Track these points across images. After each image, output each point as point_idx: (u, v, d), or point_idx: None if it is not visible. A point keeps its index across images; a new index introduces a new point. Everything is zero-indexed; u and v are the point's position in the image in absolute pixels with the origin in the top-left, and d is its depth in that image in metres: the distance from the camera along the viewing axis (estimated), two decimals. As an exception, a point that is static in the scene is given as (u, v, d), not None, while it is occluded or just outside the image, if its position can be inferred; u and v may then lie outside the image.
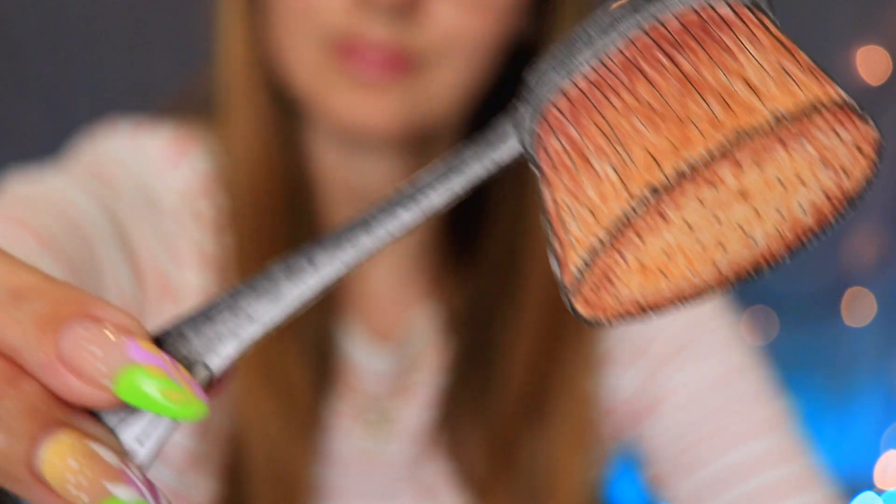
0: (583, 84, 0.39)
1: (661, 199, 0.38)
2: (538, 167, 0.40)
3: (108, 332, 0.35)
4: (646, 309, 0.42)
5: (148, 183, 0.87)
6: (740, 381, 0.89)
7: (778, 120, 0.37)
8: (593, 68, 0.39)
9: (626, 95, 0.38)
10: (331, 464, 0.89)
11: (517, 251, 0.90)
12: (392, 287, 0.92)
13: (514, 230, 0.90)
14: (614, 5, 0.39)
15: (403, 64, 0.82)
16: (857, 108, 0.39)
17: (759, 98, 0.37)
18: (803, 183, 0.41)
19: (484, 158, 0.41)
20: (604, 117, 0.38)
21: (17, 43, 2.03)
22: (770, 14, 0.41)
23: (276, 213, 0.87)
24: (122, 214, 0.83)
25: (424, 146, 0.88)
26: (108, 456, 0.34)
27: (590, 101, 0.39)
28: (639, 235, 0.39)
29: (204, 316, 0.38)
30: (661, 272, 0.41)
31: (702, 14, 0.39)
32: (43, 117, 2.03)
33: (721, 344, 0.90)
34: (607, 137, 0.38)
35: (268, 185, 0.87)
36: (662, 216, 0.39)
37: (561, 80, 0.39)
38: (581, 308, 0.41)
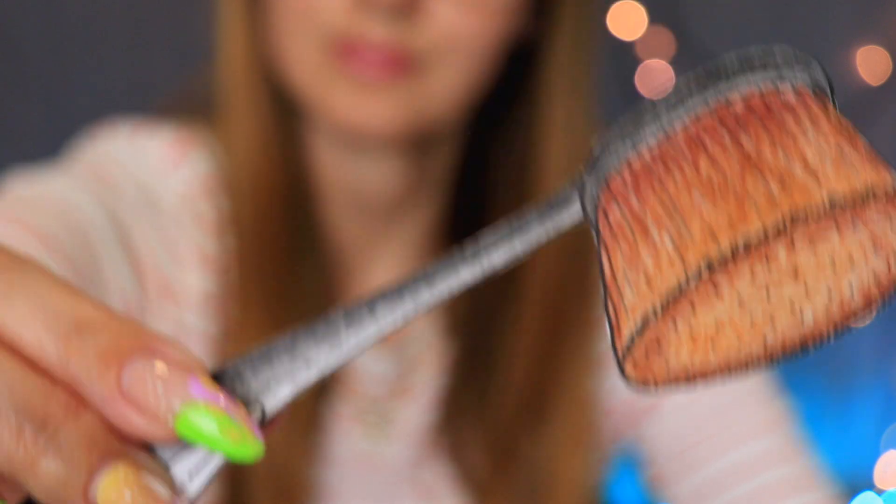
0: (647, 156, 0.40)
1: (715, 273, 0.39)
2: (598, 234, 0.41)
3: (169, 369, 0.35)
4: (692, 377, 0.43)
5: (148, 184, 0.87)
6: (740, 382, 0.89)
7: (833, 203, 0.38)
8: (658, 142, 0.40)
9: (687, 170, 0.39)
10: (331, 465, 0.89)
11: (517, 252, 0.90)
12: (392, 287, 0.92)
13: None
14: (682, 81, 0.40)
15: (403, 64, 0.82)
16: None
17: (817, 181, 0.38)
18: (854, 265, 0.42)
19: (547, 222, 0.42)
20: (665, 189, 0.39)
21: (17, 43, 2.03)
22: (833, 98, 0.42)
23: (277, 215, 0.87)
24: (122, 215, 0.83)
25: (424, 146, 0.88)
26: (161, 490, 0.35)
27: (653, 173, 0.40)
28: (692, 306, 0.40)
29: (263, 356, 0.39)
30: (711, 343, 0.42)
31: (767, 96, 0.40)
32: (43, 117, 2.03)
33: (721, 344, 0.90)
34: (667, 209, 0.39)
35: (268, 186, 0.87)
36: (716, 289, 0.40)
37: (627, 151, 0.40)
38: (631, 372, 0.41)
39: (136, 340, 0.35)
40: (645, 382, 0.42)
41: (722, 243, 0.38)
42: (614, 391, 0.91)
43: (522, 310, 0.89)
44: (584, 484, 0.91)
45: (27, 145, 1.35)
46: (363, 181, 0.88)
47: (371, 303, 0.41)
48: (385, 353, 0.90)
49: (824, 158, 0.39)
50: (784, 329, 0.43)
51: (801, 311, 0.42)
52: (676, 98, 0.40)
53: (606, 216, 0.41)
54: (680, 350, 0.42)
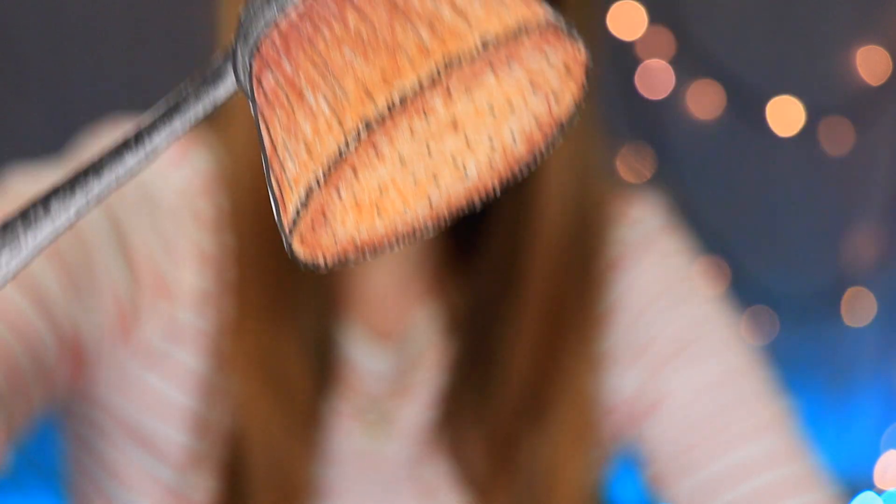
0: (294, 16, 0.39)
1: (374, 133, 0.37)
2: (254, 104, 0.41)
3: None
4: (362, 247, 0.41)
5: (148, 181, 0.87)
6: (740, 382, 0.89)
7: (486, 44, 0.37)
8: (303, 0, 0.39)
9: (336, 26, 0.38)
10: (330, 464, 0.89)
11: (518, 251, 0.90)
12: (392, 287, 0.92)
13: (515, 230, 0.90)
14: None
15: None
16: (564, 28, 0.39)
17: (467, 22, 0.37)
18: (514, 109, 0.41)
19: (203, 98, 0.42)
20: (316, 49, 0.38)
21: (17, 43, 2.03)
22: None
23: (276, 213, 0.87)
24: (120, 212, 0.83)
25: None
26: None
27: (301, 33, 0.38)
28: (354, 171, 0.39)
29: None
30: (376, 208, 0.41)
31: None
32: (43, 117, 2.03)
33: (721, 344, 0.90)
34: (320, 70, 0.38)
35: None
36: (376, 150, 0.39)
37: (273, 12, 0.39)
38: (299, 249, 0.40)
39: None
40: (314, 257, 0.41)
41: (378, 101, 0.36)
42: (615, 391, 0.91)
43: (523, 308, 0.89)
44: (585, 483, 0.91)
45: (27, 145, 1.35)
46: (363, 181, 0.88)
47: (45, 202, 0.41)
48: (385, 352, 0.90)
49: (469, 11, 0.37)
50: (448, 185, 0.41)
51: (465, 165, 0.41)
52: None
53: (261, 84, 0.40)
54: (346, 219, 0.41)
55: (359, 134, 0.37)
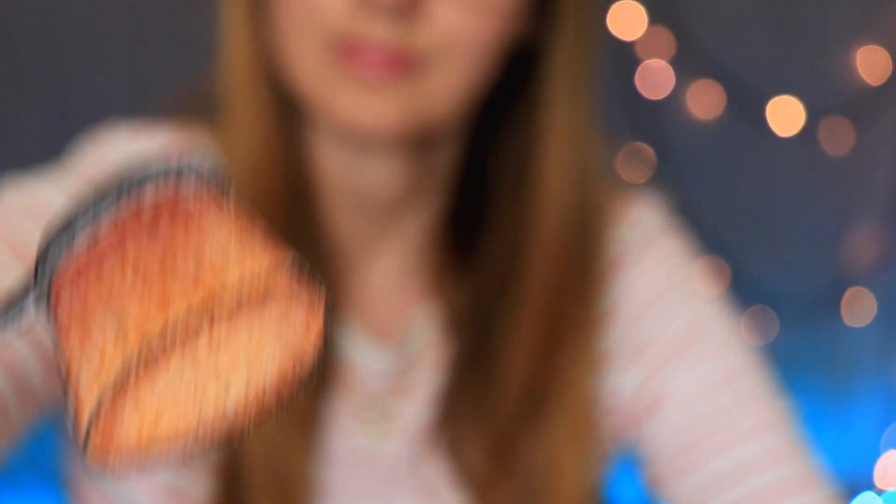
0: (83, 258, 0.45)
1: (147, 363, 0.43)
2: (53, 329, 0.46)
3: None
4: (146, 450, 0.47)
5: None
6: (740, 382, 0.89)
7: (238, 297, 0.43)
8: (89, 244, 0.45)
9: (117, 272, 0.44)
10: (329, 463, 0.89)
11: (518, 250, 0.90)
12: (392, 286, 0.92)
13: (515, 229, 0.90)
14: (101, 187, 0.45)
15: (404, 64, 0.82)
16: (307, 268, 0.46)
17: (221, 276, 0.43)
18: (263, 364, 0.47)
19: (8, 325, 0.46)
20: (100, 289, 0.44)
21: (17, 43, 2.03)
22: (228, 188, 0.47)
23: (278, 215, 0.87)
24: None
25: (425, 146, 0.88)
26: None
27: (88, 273, 0.44)
28: (135, 390, 0.45)
29: None
30: (156, 420, 0.47)
31: (172, 203, 0.45)
32: (43, 118, 2.03)
33: (721, 344, 0.90)
34: (105, 306, 0.43)
35: (270, 187, 0.87)
36: (152, 384, 0.45)
37: (65, 248, 0.45)
38: (92, 454, 0.46)
39: None
40: (106, 463, 0.46)
41: (149, 333, 0.42)
42: (615, 391, 0.91)
43: (522, 308, 0.89)
44: (584, 483, 0.91)
45: (27, 146, 1.36)
46: (364, 181, 0.88)
47: None
48: (385, 351, 0.90)
49: (226, 254, 0.43)
50: (211, 421, 0.47)
51: (225, 407, 0.47)
52: (96, 195, 0.45)
53: (57, 311, 0.45)
54: (131, 428, 0.46)
55: (133, 363, 0.43)
